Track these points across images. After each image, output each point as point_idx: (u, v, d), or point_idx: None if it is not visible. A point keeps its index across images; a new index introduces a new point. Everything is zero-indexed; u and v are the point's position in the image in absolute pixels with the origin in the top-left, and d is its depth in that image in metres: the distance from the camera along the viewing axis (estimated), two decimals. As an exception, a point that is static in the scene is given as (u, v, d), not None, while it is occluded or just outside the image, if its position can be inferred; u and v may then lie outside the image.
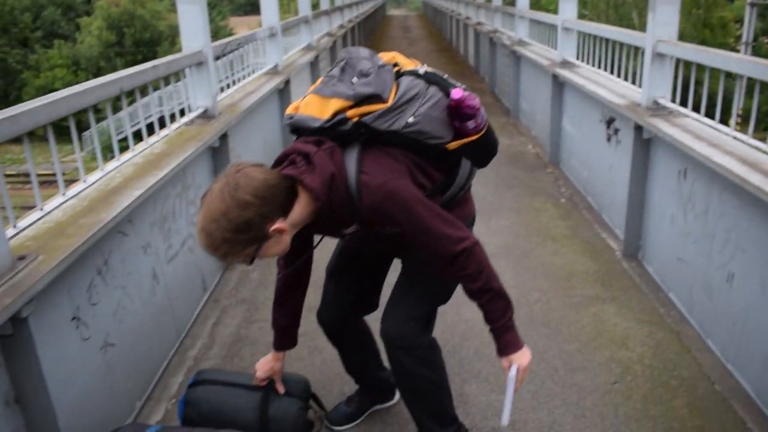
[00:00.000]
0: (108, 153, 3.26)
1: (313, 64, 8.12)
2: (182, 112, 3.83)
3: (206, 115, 3.87)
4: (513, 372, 1.92)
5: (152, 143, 3.23)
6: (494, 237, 4.52)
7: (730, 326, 2.98)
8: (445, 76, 1.97)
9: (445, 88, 1.89)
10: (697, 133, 3.41)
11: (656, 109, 3.90)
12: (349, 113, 1.78)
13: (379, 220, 1.81)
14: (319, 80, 1.93)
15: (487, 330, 3.12)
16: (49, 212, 2.29)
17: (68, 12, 47.02)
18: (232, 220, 1.63)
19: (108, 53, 39.35)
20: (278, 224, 1.70)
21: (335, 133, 1.80)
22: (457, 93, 1.84)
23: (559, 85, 6.09)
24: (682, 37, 22.72)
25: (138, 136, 3.18)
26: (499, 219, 4.86)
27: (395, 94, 1.82)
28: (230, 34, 46.12)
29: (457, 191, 2.11)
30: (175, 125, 3.58)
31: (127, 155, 2.97)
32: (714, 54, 3.32)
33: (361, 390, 2.69)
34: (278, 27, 6.14)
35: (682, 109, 3.72)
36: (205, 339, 3.38)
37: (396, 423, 2.68)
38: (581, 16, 33.00)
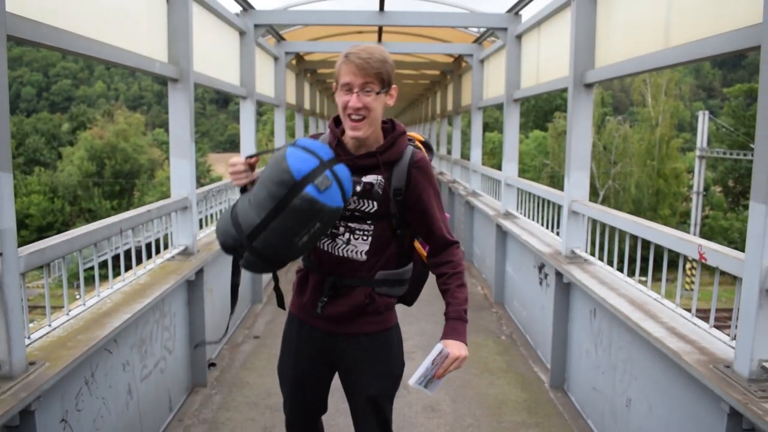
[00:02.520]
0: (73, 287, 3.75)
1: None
2: (165, 245, 4.40)
3: (186, 252, 4.45)
4: (438, 349, 2.12)
5: (139, 275, 3.78)
6: (439, 368, 5.00)
7: (629, 446, 3.46)
8: None
9: None
10: (601, 278, 4.06)
11: (573, 257, 4.59)
12: (417, 142, 2.40)
13: (413, 176, 2.22)
14: None
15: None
16: (55, 328, 2.79)
17: (52, 141, 48.57)
18: (390, 61, 2.19)
19: (86, 183, 40.46)
20: (395, 87, 2.23)
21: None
22: None
23: (502, 233, 6.84)
24: (638, 186, 24.12)
25: (125, 268, 3.72)
26: (445, 352, 5.35)
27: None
28: (208, 170, 47.96)
29: (401, 279, 2.41)
30: (159, 260, 4.15)
31: (118, 284, 3.50)
32: (606, 213, 4.08)
33: None
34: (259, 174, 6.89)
35: (591, 258, 4.40)
36: (169, 454, 3.72)
37: None
38: (544, 166, 34.57)
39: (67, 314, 2.94)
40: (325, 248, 2.29)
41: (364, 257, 2.26)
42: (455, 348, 2.15)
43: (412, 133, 2.41)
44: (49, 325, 2.78)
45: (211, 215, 5.92)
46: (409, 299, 2.56)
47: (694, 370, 2.62)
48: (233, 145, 70.69)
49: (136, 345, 3.52)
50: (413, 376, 2.15)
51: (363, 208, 2.23)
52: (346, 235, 2.26)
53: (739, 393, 2.35)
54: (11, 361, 2.30)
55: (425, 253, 2.39)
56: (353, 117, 2.13)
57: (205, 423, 4.09)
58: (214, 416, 4.19)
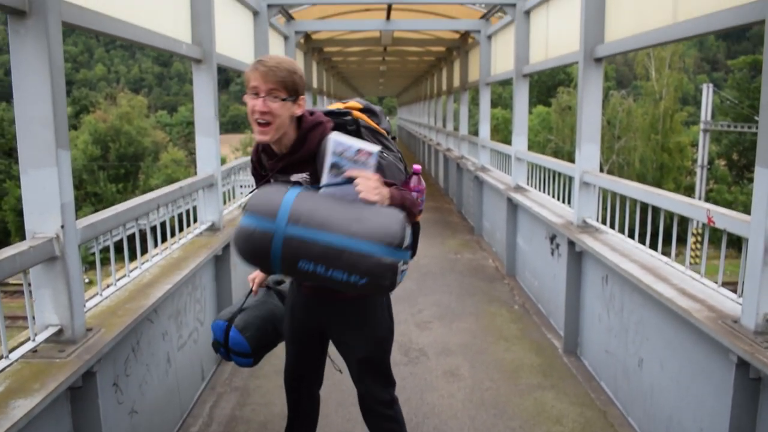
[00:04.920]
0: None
1: (297, 184, 9.03)
2: (188, 221, 4.54)
3: (213, 228, 4.64)
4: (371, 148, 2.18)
5: (174, 249, 3.97)
6: (455, 337, 5.22)
7: (642, 402, 3.66)
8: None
9: (408, 170, 2.49)
10: (613, 245, 4.24)
11: (585, 227, 4.76)
12: (355, 113, 2.41)
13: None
14: None
15: (446, 411, 3.65)
16: (106, 297, 2.98)
17: (55, 127, 48.56)
18: (299, 70, 2.25)
19: (91, 167, 40.62)
20: (304, 98, 2.28)
21: (336, 120, 2.37)
22: (417, 166, 2.45)
23: (513, 206, 7.01)
24: (642, 160, 24.30)
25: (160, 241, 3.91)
26: (460, 322, 5.57)
27: (385, 136, 2.45)
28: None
29: None
30: (189, 235, 4.34)
31: (156, 257, 3.69)
32: (618, 182, 4.25)
33: None
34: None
35: (602, 227, 4.58)
36: (205, 418, 3.94)
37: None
38: (547, 141, 34.63)
39: (115, 284, 3.13)
40: None
41: None
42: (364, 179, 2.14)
43: (351, 102, 2.48)
44: (101, 294, 2.98)
45: (233, 189, 6.13)
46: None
47: (703, 325, 2.81)
48: (235, 126, 70.69)
49: (173, 316, 3.72)
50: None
51: None
52: None
53: (746, 344, 2.54)
54: (73, 327, 2.50)
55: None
56: (259, 121, 2.21)
57: (237, 390, 4.30)
58: (244, 384, 4.40)
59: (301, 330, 2.68)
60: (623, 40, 4.22)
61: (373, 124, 2.43)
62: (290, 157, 2.29)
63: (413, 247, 2.45)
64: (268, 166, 2.37)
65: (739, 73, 40.02)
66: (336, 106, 2.50)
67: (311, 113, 2.33)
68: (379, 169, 2.25)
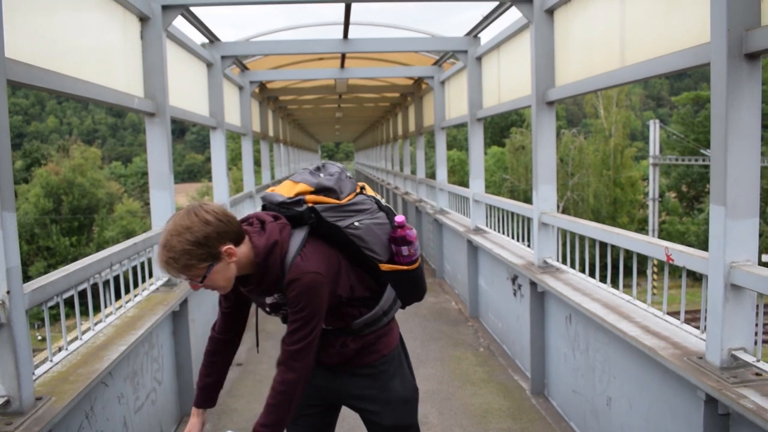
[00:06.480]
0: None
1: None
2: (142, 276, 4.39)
3: (169, 283, 4.51)
4: None
5: (129, 307, 3.83)
6: (421, 384, 5.05)
7: (612, 443, 3.64)
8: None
9: (392, 218, 2.31)
10: (574, 285, 4.26)
11: (545, 267, 4.78)
12: (308, 198, 2.16)
13: (286, 294, 2.08)
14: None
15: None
16: (56, 363, 2.84)
17: (4, 181, 47.39)
18: (194, 232, 1.88)
19: (43, 220, 39.61)
20: (230, 247, 1.96)
21: (291, 212, 2.14)
22: (400, 217, 2.27)
23: (473, 248, 7.03)
24: (596, 196, 24.78)
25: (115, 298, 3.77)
26: (426, 368, 5.49)
27: (349, 200, 2.22)
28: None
29: (380, 315, 2.36)
30: (145, 292, 4.20)
31: (110, 318, 3.56)
32: (576, 223, 4.30)
33: None
34: (227, 203, 6.99)
35: (563, 267, 4.61)
36: (164, 484, 3.76)
37: None
38: (503, 181, 35.09)
39: (67, 349, 3.00)
40: None
41: (331, 326, 2.29)
42: None
43: (300, 186, 2.21)
44: (51, 360, 2.84)
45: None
46: (407, 303, 2.50)
47: (669, 363, 2.81)
48: (191, 175, 70.10)
49: (129, 377, 3.57)
50: None
51: (285, 313, 2.22)
52: None
53: (713, 380, 2.54)
54: (21, 397, 2.36)
55: (398, 266, 2.32)
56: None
57: (198, 451, 4.12)
58: (206, 444, 4.22)
59: (306, 403, 2.39)
60: (574, 83, 4.33)
61: (333, 201, 2.21)
62: (259, 287, 2.13)
63: (422, 287, 2.44)
64: (246, 292, 2.21)
65: (683, 109, 41.62)
66: (282, 188, 2.26)
67: (262, 224, 2.13)
68: (357, 237, 2.20)
